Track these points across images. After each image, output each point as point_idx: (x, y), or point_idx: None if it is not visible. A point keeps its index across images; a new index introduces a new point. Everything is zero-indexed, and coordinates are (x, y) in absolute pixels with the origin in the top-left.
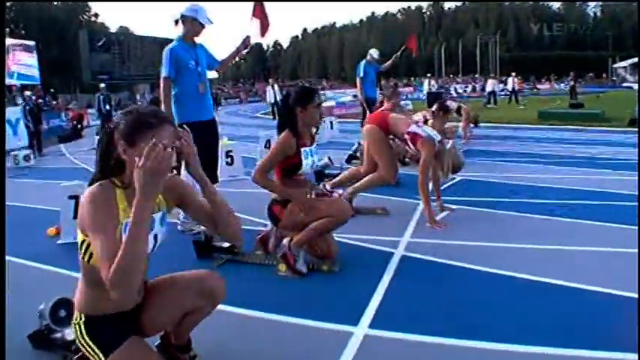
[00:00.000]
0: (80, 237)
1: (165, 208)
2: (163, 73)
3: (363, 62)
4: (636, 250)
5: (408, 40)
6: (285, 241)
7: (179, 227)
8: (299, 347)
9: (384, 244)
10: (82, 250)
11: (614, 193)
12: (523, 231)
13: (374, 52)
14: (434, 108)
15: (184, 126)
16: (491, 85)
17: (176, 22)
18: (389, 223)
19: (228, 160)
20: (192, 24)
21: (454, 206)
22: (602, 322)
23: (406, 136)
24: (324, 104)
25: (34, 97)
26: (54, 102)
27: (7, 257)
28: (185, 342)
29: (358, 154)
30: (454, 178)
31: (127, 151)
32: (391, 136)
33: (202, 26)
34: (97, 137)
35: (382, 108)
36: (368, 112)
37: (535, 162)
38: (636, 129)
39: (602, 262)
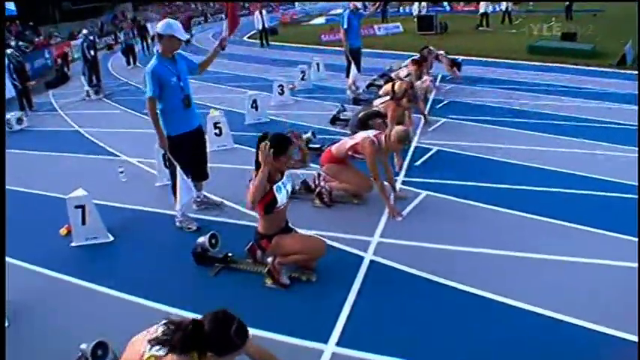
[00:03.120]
0: None
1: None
2: (148, 93)
3: (346, 12)
4: None
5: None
6: (270, 259)
7: (177, 224)
8: None
9: (355, 246)
10: None
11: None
12: (492, 229)
13: (357, 2)
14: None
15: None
16: (483, 5)
17: (152, 38)
18: (362, 216)
19: (217, 131)
20: (171, 40)
21: (422, 192)
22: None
23: (350, 153)
24: (312, 22)
25: (17, 55)
26: (36, 38)
27: (20, 263)
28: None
29: (341, 116)
30: (430, 149)
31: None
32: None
33: (180, 41)
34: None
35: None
36: (353, 62)
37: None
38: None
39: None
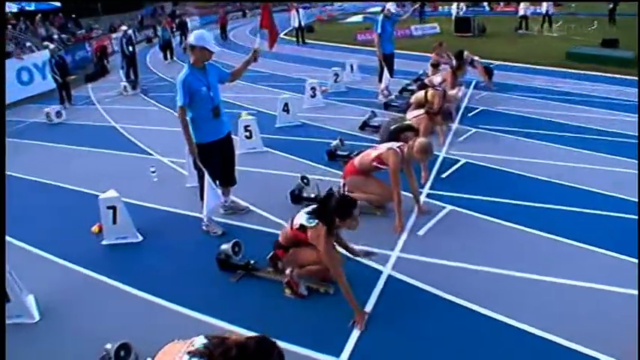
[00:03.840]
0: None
1: None
2: (179, 102)
3: (380, 17)
4: None
5: None
6: (288, 270)
7: (203, 227)
8: None
9: (375, 259)
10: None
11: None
12: (513, 249)
13: (391, 6)
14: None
15: None
16: (523, 7)
17: (184, 49)
18: (384, 229)
19: (247, 134)
20: (202, 52)
21: (447, 206)
22: None
23: (375, 164)
24: (349, 20)
25: (59, 48)
26: (78, 31)
27: (54, 258)
28: None
29: (371, 122)
30: (458, 161)
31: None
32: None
33: (211, 52)
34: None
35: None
36: (385, 68)
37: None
38: None
39: None
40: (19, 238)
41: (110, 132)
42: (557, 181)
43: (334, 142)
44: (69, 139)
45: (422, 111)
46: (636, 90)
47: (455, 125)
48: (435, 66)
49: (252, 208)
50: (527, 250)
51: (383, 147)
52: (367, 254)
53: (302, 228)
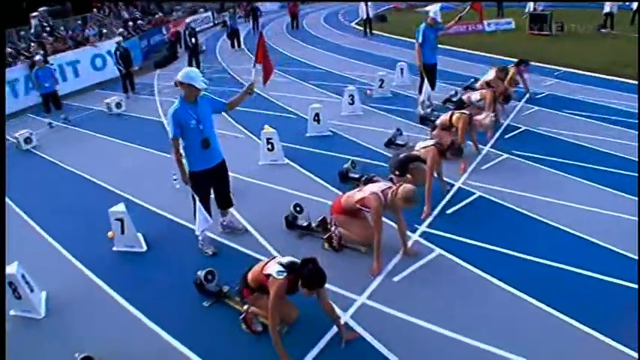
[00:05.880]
0: None
1: None
2: (170, 134)
3: (422, 26)
4: None
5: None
6: (246, 307)
7: (199, 245)
8: None
9: (339, 302)
10: None
11: None
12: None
13: (434, 14)
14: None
15: None
16: (608, 4)
17: (175, 84)
18: (360, 269)
19: (269, 146)
20: (189, 88)
21: (436, 250)
22: None
23: (358, 206)
24: (427, 8)
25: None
26: (158, 13)
27: (71, 258)
28: None
29: (399, 141)
30: (472, 194)
31: None
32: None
33: (198, 90)
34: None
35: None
36: (426, 79)
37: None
38: None
39: None
40: (46, 230)
41: (156, 128)
42: (570, 231)
43: (346, 165)
44: (117, 132)
45: (431, 142)
46: None
47: (486, 148)
48: (489, 85)
49: (249, 228)
50: (505, 320)
51: (367, 189)
52: (347, 335)
53: (269, 276)
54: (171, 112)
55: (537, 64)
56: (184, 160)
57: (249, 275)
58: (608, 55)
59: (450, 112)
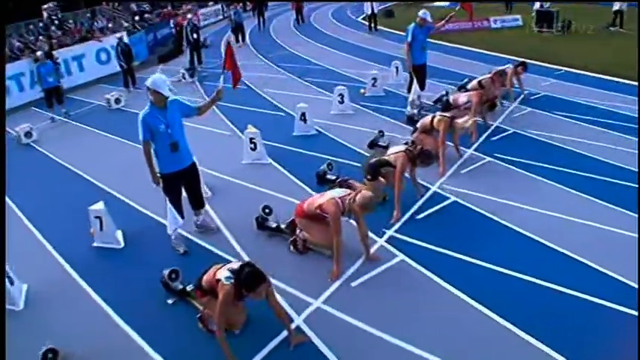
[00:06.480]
0: None
1: None
2: (140, 136)
3: (411, 26)
4: None
5: None
6: (201, 307)
7: (172, 244)
8: None
9: (294, 305)
10: None
11: None
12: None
13: (424, 14)
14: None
15: None
16: (618, 2)
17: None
18: (320, 273)
19: (252, 145)
20: (156, 94)
21: (399, 256)
22: None
23: (318, 211)
24: (437, 3)
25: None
26: (168, 7)
27: (54, 252)
28: None
29: (381, 143)
30: (446, 199)
31: None
32: None
33: (166, 97)
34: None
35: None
36: (415, 79)
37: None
38: None
39: None
40: (33, 224)
41: None
42: (542, 241)
43: (323, 167)
44: (116, 129)
45: (402, 148)
46: None
47: (470, 151)
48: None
49: (222, 228)
50: (455, 331)
51: (327, 195)
52: (296, 339)
53: (219, 281)
54: (141, 116)
55: (538, 63)
56: (155, 162)
57: (204, 278)
58: (613, 55)
59: (431, 115)
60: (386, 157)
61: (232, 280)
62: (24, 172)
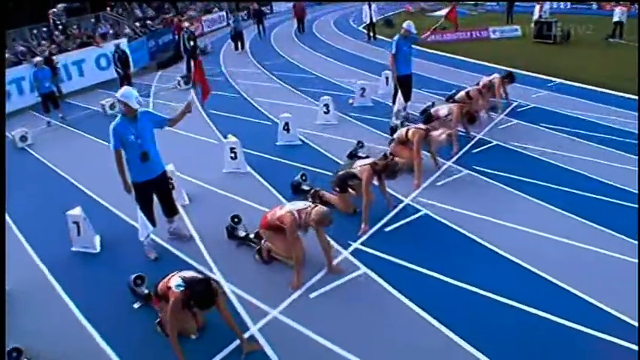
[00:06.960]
0: None
1: None
2: (111, 146)
3: (396, 37)
4: None
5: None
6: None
7: (144, 250)
8: None
9: (252, 313)
10: None
11: None
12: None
13: (407, 26)
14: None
15: None
16: (618, 12)
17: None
18: (281, 282)
19: (232, 155)
20: (126, 105)
21: (362, 269)
22: None
23: (278, 223)
24: (438, 13)
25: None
26: (171, 13)
27: (32, 253)
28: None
29: (360, 154)
30: (417, 212)
31: None
32: None
33: (134, 109)
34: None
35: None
36: (400, 91)
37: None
38: None
39: None
40: (17, 226)
41: None
42: (511, 258)
43: (297, 177)
44: (104, 134)
45: (368, 161)
46: None
47: (448, 163)
48: (469, 97)
49: (195, 236)
50: (409, 346)
51: (286, 208)
52: (248, 347)
53: (170, 288)
54: (112, 127)
55: (532, 74)
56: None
57: (159, 284)
58: (610, 67)
59: (406, 127)
60: (352, 170)
61: (182, 288)
62: (14, 176)
